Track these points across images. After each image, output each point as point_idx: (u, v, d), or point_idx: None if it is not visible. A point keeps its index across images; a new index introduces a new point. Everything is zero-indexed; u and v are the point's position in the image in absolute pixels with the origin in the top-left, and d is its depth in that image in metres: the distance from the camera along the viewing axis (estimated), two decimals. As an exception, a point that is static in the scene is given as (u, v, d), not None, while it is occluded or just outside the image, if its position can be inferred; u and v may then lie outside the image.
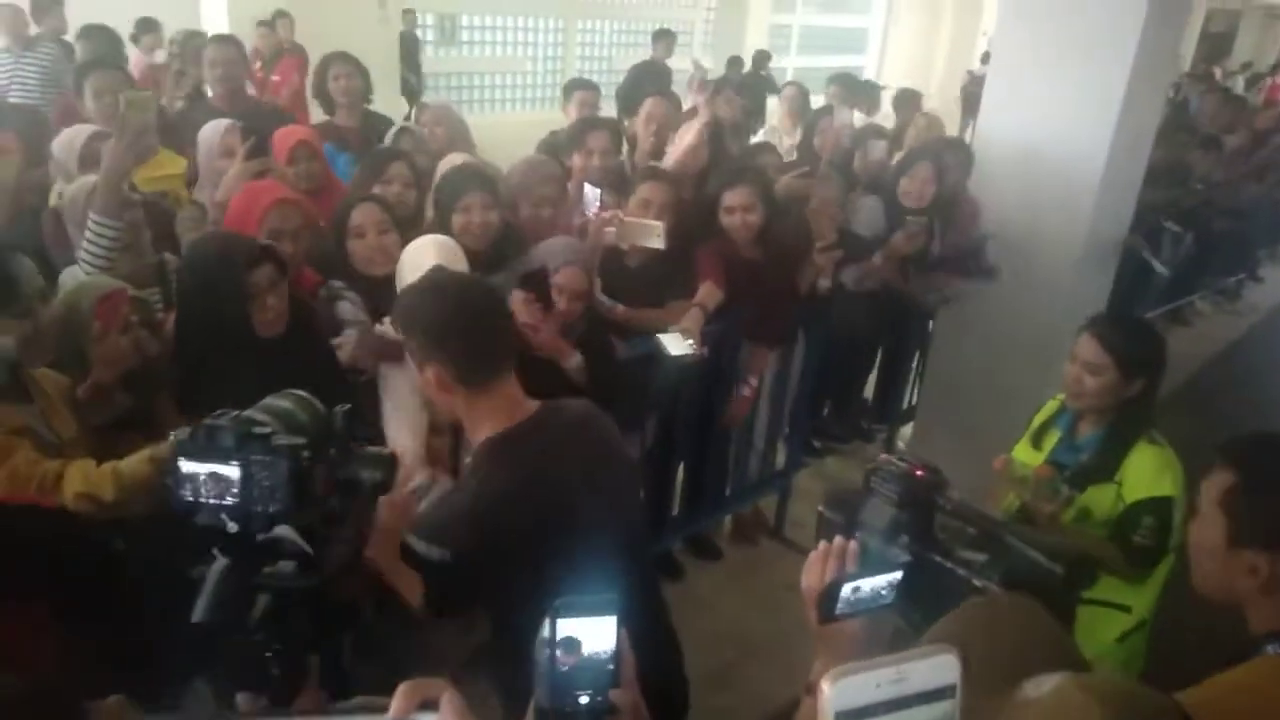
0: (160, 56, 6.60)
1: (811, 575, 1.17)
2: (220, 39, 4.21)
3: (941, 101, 13.79)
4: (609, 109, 8.71)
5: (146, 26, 7.21)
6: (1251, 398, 5.55)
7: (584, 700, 1.00)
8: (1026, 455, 2.44)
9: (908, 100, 6.17)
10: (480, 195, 2.82)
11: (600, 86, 4.90)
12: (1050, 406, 2.52)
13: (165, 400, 2.15)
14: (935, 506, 1.19)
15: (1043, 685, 0.85)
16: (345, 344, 2.44)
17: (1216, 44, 19.59)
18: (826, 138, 4.58)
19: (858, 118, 5.55)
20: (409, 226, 2.89)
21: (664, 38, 8.82)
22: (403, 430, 2.40)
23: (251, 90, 4.47)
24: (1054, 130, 3.82)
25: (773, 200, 3.39)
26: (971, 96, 10.15)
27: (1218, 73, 13.14)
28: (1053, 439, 2.45)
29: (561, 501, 1.61)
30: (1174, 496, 2.19)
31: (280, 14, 8.02)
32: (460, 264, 2.45)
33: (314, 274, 2.67)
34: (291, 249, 2.53)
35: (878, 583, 1.11)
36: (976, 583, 1.11)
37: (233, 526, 1.15)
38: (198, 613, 1.12)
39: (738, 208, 3.28)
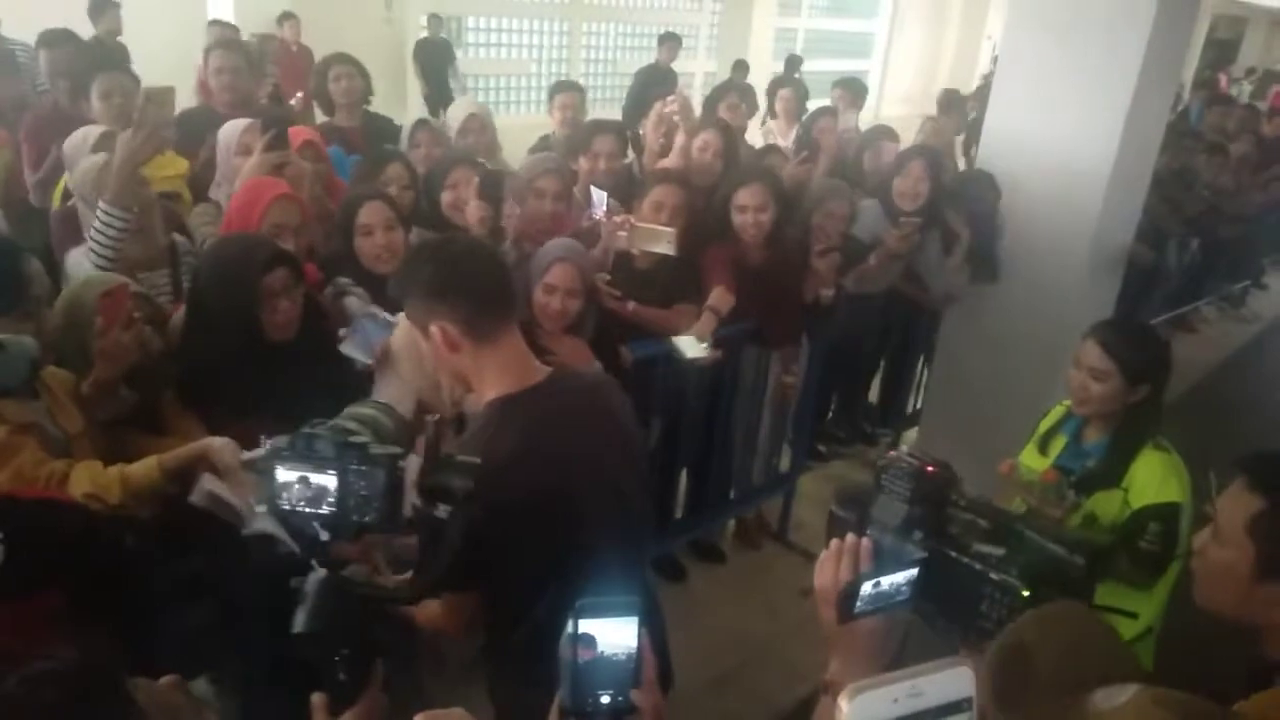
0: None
1: (825, 574, 1.17)
2: (225, 45, 4.20)
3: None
4: (604, 111, 8.79)
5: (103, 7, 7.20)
6: (1257, 404, 5.55)
7: (605, 700, 1.01)
8: (1033, 460, 2.44)
9: (951, 102, 6.16)
10: (466, 170, 2.92)
11: (593, 89, 4.92)
12: (1057, 412, 2.52)
13: (171, 397, 2.15)
14: (948, 502, 1.19)
15: (1115, 697, 0.84)
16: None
17: (1222, 50, 19.59)
18: (826, 138, 4.58)
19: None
20: (407, 227, 2.91)
21: (669, 41, 8.82)
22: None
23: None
24: (1060, 136, 3.81)
25: (785, 203, 3.40)
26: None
27: (1223, 79, 13.12)
28: (1059, 444, 2.45)
29: (564, 471, 1.58)
30: (1180, 503, 2.19)
31: (287, 15, 8.04)
32: None
33: (316, 270, 2.68)
34: (293, 244, 2.53)
35: (896, 580, 1.11)
36: (994, 576, 1.10)
37: (325, 535, 1.15)
38: (298, 623, 1.13)
39: (750, 207, 3.29)
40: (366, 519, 1.14)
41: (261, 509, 1.19)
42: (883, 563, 1.14)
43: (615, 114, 7.95)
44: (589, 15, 12.70)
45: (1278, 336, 7.50)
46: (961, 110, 6.51)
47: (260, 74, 4.58)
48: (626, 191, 3.54)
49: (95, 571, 1.51)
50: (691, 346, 3.01)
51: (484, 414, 1.62)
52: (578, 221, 3.42)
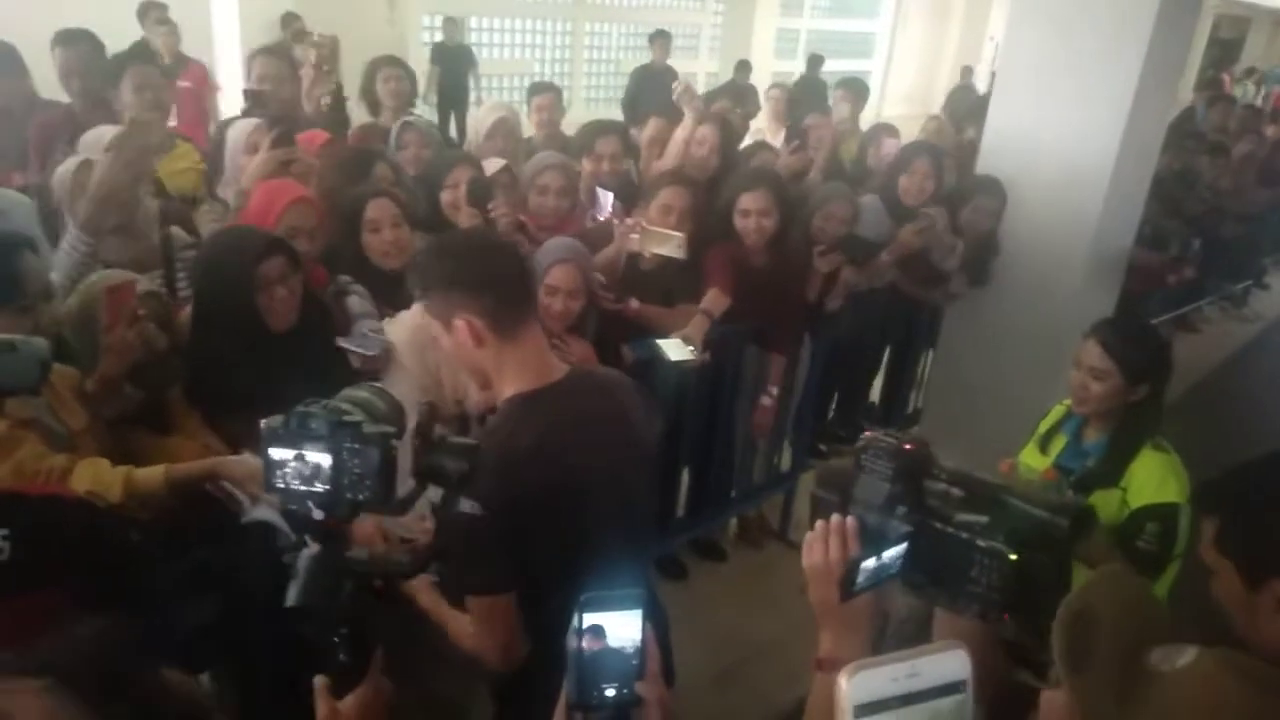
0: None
1: (815, 554, 1.21)
2: (269, 52, 4.17)
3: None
4: (607, 111, 8.77)
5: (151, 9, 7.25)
6: (1258, 404, 5.54)
7: (610, 693, 1.02)
8: (1033, 460, 2.45)
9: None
10: (467, 170, 2.94)
11: (595, 89, 4.93)
12: (1057, 411, 2.53)
13: (177, 395, 2.16)
14: (929, 476, 1.22)
15: (1174, 658, 0.88)
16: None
17: (1225, 50, 19.57)
18: (820, 133, 4.60)
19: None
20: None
21: (659, 39, 8.75)
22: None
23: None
24: (1061, 136, 3.82)
25: (788, 207, 3.41)
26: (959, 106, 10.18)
27: (1225, 80, 13.12)
28: (1059, 444, 2.46)
29: (578, 470, 1.59)
30: (1179, 503, 2.19)
31: (291, 16, 8.06)
32: None
33: (323, 272, 2.69)
34: (307, 246, 2.54)
35: (890, 555, 1.16)
36: (980, 543, 1.13)
37: (319, 514, 1.16)
38: (290, 598, 1.13)
39: (754, 211, 3.29)
40: (360, 497, 1.15)
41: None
42: (869, 540, 1.18)
43: (618, 114, 7.95)
44: (591, 15, 12.71)
45: (1279, 336, 7.51)
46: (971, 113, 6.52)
47: (331, 77, 4.60)
48: (625, 194, 3.56)
49: (99, 568, 1.53)
50: (676, 349, 2.97)
51: (503, 410, 1.63)
52: (581, 221, 3.43)
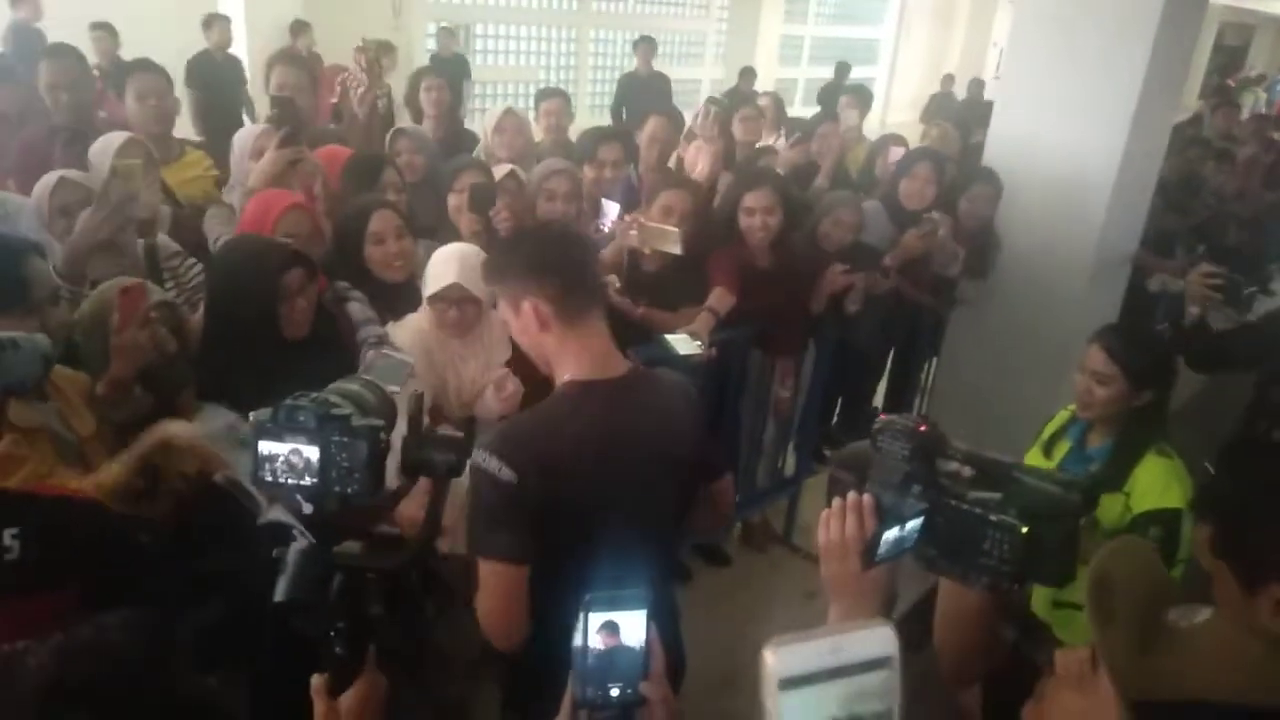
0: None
1: (832, 529, 1.25)
2: (287, 61, 4.15)
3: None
4: (607, 119, 8.78)
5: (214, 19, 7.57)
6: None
7: (615, 692, 1.03)
8: (1037, 464, 2.45)
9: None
10: (471, 173, 3.00)
11: (599, 97, 4.96)
12: (1062, 416, 2.54)
13: (187, 400, 2.17)
14: (943, 456, 1.27)
15: (1193, 616, 0.98)
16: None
17: (1230, 57, 19.56)
18: (829, 142, 4.61)
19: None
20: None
21: (643, 45, 8.68)
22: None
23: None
24: (1065, 142, 3.83)
25: (792, 207, 3.42)
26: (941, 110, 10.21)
27: (1231, 85, 13.12)
28: (1063, 449, 2.46)
29: (616, 465, 1.62)
30: (1182, 509, 2.19)
31: (300, 24, 8.09)
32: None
33: (324, 279, 2.71)
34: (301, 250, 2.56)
35: (909, 528, 1.21)
36: (993, 518, 1.18)
37: (307, 508, 1.16)
38: (279, 592, 1.13)
39: (758, 209, 3.30)
40: (349, 490, 1.15)
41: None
42: (885, 517, 1.23)
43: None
44: (596, 22, 12.73)
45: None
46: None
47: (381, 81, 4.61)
48: (625, 200, 3.58)
49: (109, 568, 1.53)
50: (684, 344, 3.00)
51: (558, 391, 1.68)
52: (586, 229, 3.45)
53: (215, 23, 7.51)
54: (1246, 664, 0.93)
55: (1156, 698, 0.93)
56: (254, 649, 1.69)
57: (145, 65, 3.42)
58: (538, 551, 1.57)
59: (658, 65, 8.81)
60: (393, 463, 1.23)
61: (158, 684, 1.01)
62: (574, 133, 4.55)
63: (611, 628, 1.02)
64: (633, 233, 3.07)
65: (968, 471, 1.28)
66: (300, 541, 1.16)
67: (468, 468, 1.44)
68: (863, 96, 6.21)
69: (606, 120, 8.53)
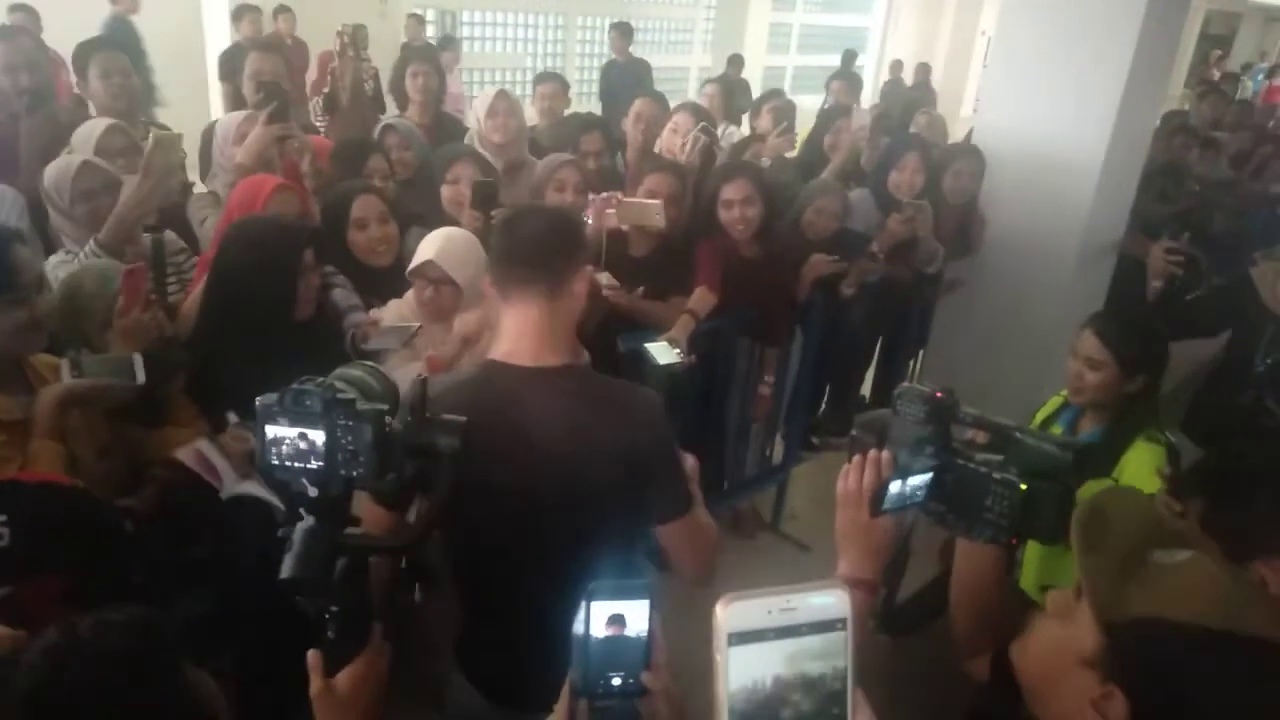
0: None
1: (850, 480, 1.35)
2: (263, 47, 4.12)
3: (941, 101, 13.81)
4: (598, 105, 8.74)
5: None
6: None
7: (616, 682, 1.03)
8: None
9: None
10: (469, 165, 3.00)
11: (587, 84, 4.92)
12: (1054, 402, 2.56)
13: (175, 387, 2.16)
14: (956, 420, 1.37)
15: (1175, 556, 1.04)
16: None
17: (1216, 46, 19.62)
18: (841, 138, 4.59)
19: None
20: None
21: (615, 31, 8.65)
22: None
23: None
24: (1051, 130, 3.84)
25: (771, 196, 3.41)
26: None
27: (1215, 74, 13.16)
28: (1054, 434, 2.48)
29: (489, 454, 1.42)
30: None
31: (282, 9, 8.03)
32: (478, 256, 2.46)
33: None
34: None
35: (915, 483, 1.31)
36: (996, 476, 1.28)
37: (313, 491, 1.17)
38: (284, 570, 1.14)
39: (736, 201, 3.29)
40: (354, 474, 1.15)
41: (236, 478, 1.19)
42: (900, 472, 1.32)
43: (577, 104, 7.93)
44: (583, 9, 12.68)
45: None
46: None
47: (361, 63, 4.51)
48: (613, 189, 3.57)
49: (96, 556, 1.53)
50: (664, 352, 2.93)
51: (474, 365, 1.68)
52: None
53: (246, 14, 7.49)
54: (1212, 594, 1.00)
55: (1124, 618, 1.01)
56: (242, 638, 1.69)
57: (108, 43, 3.37)
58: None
59: (646, 52, 8.78)
60: None
61: (156, 689, 1.01)
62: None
63: (614, 618, 1.02)
64: (610, 211, 3.05)
65: (982, 438, 1.39)
66: (307, 520, 1.17)
67: None
68: (853, 81, 6.21)
69: (595, 107, 8.50)
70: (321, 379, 1.19)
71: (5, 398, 1.89)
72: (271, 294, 2.14)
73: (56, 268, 2.46)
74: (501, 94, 3.80)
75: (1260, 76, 14.99)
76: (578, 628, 1.01)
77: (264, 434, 1.15)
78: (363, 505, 1.55)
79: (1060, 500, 1.24)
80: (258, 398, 1.16)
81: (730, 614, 0.76)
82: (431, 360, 2.28)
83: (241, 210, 2.56)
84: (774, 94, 5.68)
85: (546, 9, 12.27)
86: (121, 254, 2.45)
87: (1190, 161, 5.95)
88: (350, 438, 1.14)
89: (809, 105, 6.77)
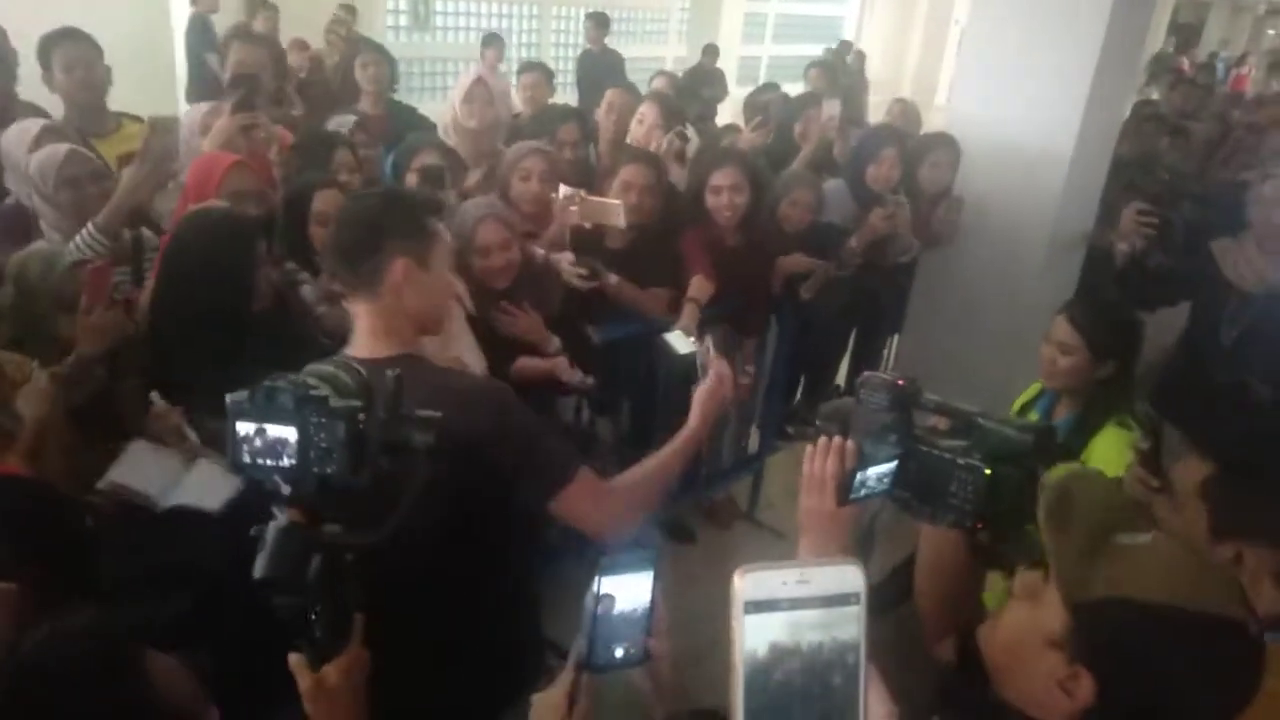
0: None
1: (815, 465, 1.35)
2: (244, 38, 4.04)
3: (915, 90, 13.88)
4: (574, 96, 8.71)
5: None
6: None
7: (619, 653, 1.08)
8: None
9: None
10: (428, 153, 2.99)
11: (562, 74, 4.89)
12: (1034, 389, 2.59)
13: (131, 385, 2.13)
14: (918, 406, 1.37)
15: (1138, 537, 1.07)
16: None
17: (1185, 35, 19.78)
18: (811, 127, 4.59)
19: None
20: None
21: (590, 21, 8.59)
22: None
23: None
24: (1022, 118, 3.85)
25: (759, 185, 3.42)
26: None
27: (1185, 63, 13.27)
28: (1031, 420, 2.50)
29: None
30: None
31: (265, 4, 7.92)
32: None
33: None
34: (256, 210, 2.54)
35: (882, 470, 1.32)
36: (960, 461, 1.29)
37: (286, 489, 1.16)
38: (257, 569, 1.13)
39: (725, 187, 3.30)
40: (328, 471, 1.15)
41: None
42: (864, 462, 1.32)
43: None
44: (559, -1, 12.63)
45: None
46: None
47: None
48: (585, 180, 3.55)
49: (61, 552, 1.51)
50: (682, 342, 2.94)
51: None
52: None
53: (261, 11, 7.40)
54: (1176, 573, 1.02)
55: (1090, 598, 1.03)
56: (215, 635, 1.68)
57: (72, 34, 3.24)
58: None
59: (620, 43, 8.74)
60: None
61: (115, 703, 0.99)
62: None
63: (621, 590, 1.05)
64: (573, 209, 3.05)
65: (944, 424, 1.39)
66: (280, 519, 1.16)
67: None
68: (830, 69, 6.23)
69: (570, 98, 8.47)
70: (293, 376, 1.18)
71: None
72: (223, 285, 2.12)
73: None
74: (480, 81, 3.78)
75: (1221, 66, 15.13)
76: (588, 603, 1.04)
77: (235, 431, 1.14)
78: None
79: (1022, 484, 1.25)
80: (227, 395, 1.15)
81: (747, 583, 0.78)
82: None
83: (197, 189, 2.53)
84: (767, 88, 5.72)
85: (521, -1, 12.21)
86: (117, 238, 2.46)
87: (1161, 150, 6.01)
88: (323, 435, 1.14)
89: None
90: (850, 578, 0.81)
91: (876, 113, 5.84)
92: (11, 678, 0.98)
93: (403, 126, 3.98)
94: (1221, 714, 1.01)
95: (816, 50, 11.58)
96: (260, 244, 2.17)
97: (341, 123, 3.52)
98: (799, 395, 4.80)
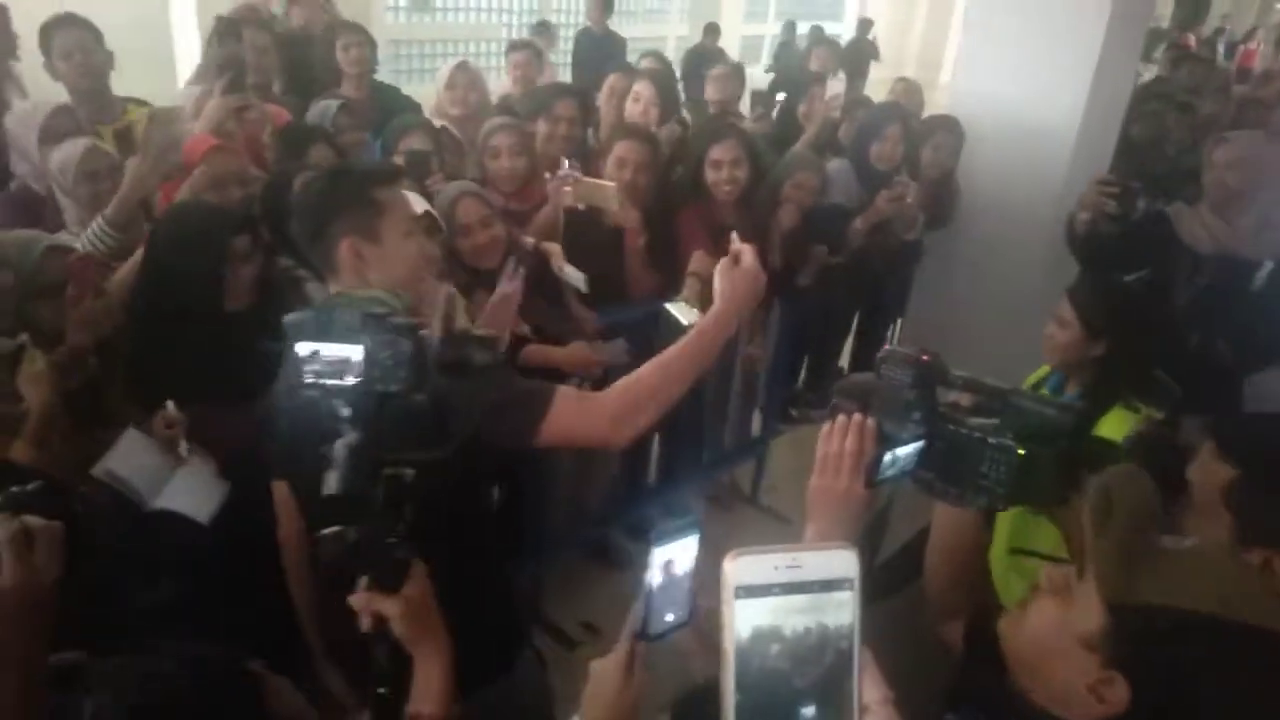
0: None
1: (832, 443, 1.29)
2: (253, 24, 3.99)
3: (919, 68, 13.78)
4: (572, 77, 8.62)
5: None
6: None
7: (670, 618, 1.07)
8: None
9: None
10: (414, 136, 2.97)
11: (564, 54, 4.80)
12: (1044, 369, 2.58)
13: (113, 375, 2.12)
14: (944, 383, 1.32)
15: (1181, 542, 1.06)
16: None
17: (1194, 10, 19.60)
18: (815, 107, 4.54)
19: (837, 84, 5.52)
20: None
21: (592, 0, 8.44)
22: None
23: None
24: (1026, 97, 3.82)
25: (757, 160, 3.39)
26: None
27: (1191, 39, 13.15)
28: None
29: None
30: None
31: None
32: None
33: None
34: (240, 194, 2.53)
35: (908, 451, 1.26)
36: (991, 440, 1.23)
37: (345, 411, 1.14)
38: (328, 486, 1.12)
39: (725, 161, 3.26)
40: (392, 388, 1.13)
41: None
42: (887, 440, 1.27)
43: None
44: (559, -22, 12.51)
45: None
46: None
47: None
48: (581, 162, 3.51)
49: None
50: (685, 313, 2.90)
51: None
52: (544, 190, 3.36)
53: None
54: (1227, 583, 1.00)
55: (1132, 603, 1.01)
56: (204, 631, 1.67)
57: (70, 20, 3.20)
58: None
59: (622, 23, 8.63)
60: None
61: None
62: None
63: (672, 558, 1.04)
64: (567, 189, 3.01)
65: (967, 400, 1.34)
66: (348, 436, 1.14)
67: None
68: (835, 49, 6.18)
69: (571, 78, 8.39)
70: (349, 295, 1.15)
71: None
72: (191, 281, 2.09)
73: None
74: (461, 65, 3.71)
75: (1223, 43, 15.02)
76: (647, 577, 1.03)
77: (294, 352, 1.12)
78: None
79: (1059, 464, 1.22)
80: (285, 316, 1.14)
81: (738, 567, 0.78)
82: None
83: (188, 172, 2.53)
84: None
85: (522, -22, 12.10)
86: (127, 229, 2.45)
87: (1168, 127, 5.95)
88: (388, 352, 1.12)
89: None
90: (843, 562, 0.80)
91: (880, 92, 5.78)
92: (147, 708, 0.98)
93: (388, 108, 3.90)
94: None
95: (819, 29, 11.47)
96: (237, 240, 2.11)
97: (325, 108, 3.46)
98: (802, 377, 4.78)
